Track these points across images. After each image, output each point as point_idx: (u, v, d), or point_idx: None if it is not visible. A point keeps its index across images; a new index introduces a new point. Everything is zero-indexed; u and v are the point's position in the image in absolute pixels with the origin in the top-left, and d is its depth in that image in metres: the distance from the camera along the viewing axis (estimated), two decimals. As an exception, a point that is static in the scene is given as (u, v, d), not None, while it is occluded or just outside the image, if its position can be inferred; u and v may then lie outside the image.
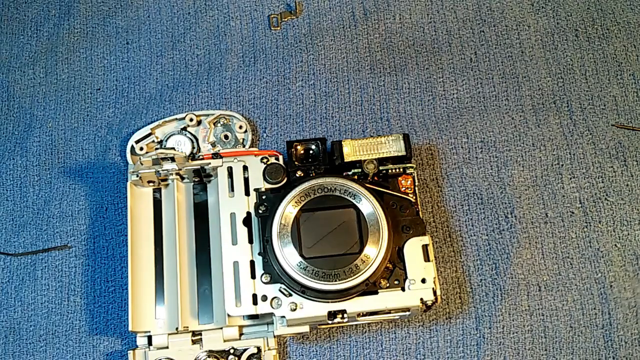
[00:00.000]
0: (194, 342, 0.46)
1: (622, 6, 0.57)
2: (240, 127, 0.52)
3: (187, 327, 0.47)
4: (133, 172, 0.48)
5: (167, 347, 0.46)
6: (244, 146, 0.52)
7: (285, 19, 0.57)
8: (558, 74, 0.55)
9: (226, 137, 0.52)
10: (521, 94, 0.55)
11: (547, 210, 0.51)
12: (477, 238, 0.50)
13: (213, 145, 0.52)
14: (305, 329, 0.45)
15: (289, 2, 0.58)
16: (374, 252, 0.44)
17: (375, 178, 0.47)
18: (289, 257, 0.43)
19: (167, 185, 0.50)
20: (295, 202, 0.45)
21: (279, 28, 0.57)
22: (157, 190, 0.50)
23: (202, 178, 0.49)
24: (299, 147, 0.47)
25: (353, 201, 0.45)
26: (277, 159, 0.48)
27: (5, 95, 0.57)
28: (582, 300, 0.48)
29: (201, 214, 0.49)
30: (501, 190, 0.51)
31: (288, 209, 0.45)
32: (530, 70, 0.55)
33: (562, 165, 0.52)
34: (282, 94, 0.55)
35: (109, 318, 0.50)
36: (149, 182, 0.49)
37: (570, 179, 0.51)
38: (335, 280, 0.43)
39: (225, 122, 0.53)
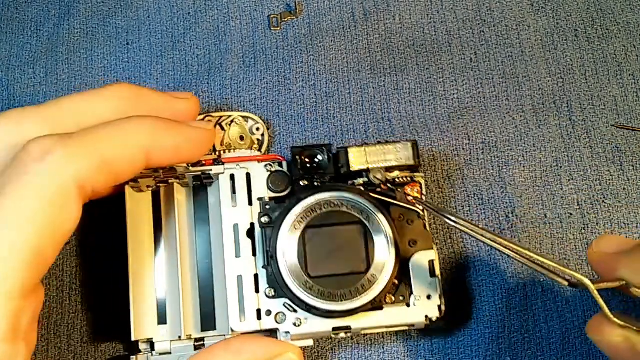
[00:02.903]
0: (196, 347, 0.46)
1: (622, 6, 0.57)
2: (258, 128, 0.52)
3: (190, 334, 0.46)
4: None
5: (169, 353, 0.46)
6: (260, 149, 0.52)
7: (285, 19, 0.57)
8: (558, 74, 0.55)
9: (242, 138, 0.51)
10: (521, 94, 0.55)
11: (545, 211, 0.51)
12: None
13: (228, 148, 0.51)
14: (309, 342, 0.45)
15: (288, 2, 0.58)
16: (381, 272, 0.43)
17: (382, 186, 0.46)
18: (294, 275, 0.43)
19: (166, 186, 0.49)
20: (301, 217, 0.44)
21: (279, 28, 0.57)
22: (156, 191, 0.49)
23: (202, 181, 0.48)
24: (303, 155, 0.46)
25: (360, 217, 0.44)
26: (280, 164, 0.47)
27: (5, 94, 0.57)
28: (576, 302, 0.49)
29: (202, 214, 0.49)
30: (502, 190, 0.51)
31: (293, 225, 0.44)
32: (531, 70, 0.55)
33: (561, 167, 0.52)
34: (283, 95, 0.55)
35: (110, 321, 0.50)
36: (147, 186, 0.48)
37: (569, 181, 0.52)
38: (342, 301, 0.42)
39: (241, 123, 0.52)
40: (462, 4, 0.58)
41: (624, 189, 0.51)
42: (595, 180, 0.52)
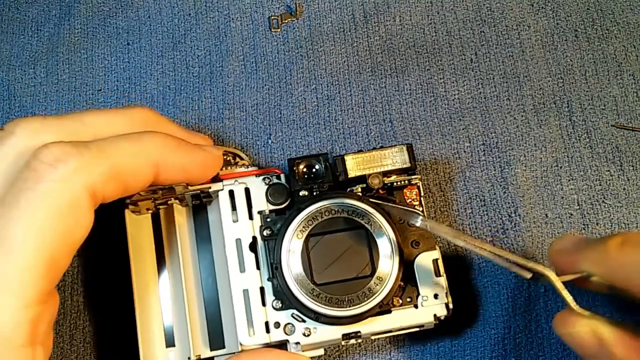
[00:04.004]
0: None
1: (622, 6, 0.57)
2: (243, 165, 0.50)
3: (200, 355, 0.46)
4: (129, 202, 0.46)
5: None
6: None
7: (286, 21, 0.57)
8: (558, 74, 0.55)
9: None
10: (522, 94, 0.55)
11: (546, 211, 0.51)
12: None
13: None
14: (320, 352, 0.45)
15: (289, 4, 0.58)
16: (387, 274, 0.43)
17: (381, 191, 0.46)
18: (300, 284, 0.43)
19: (166, 207, 0.48)
20: (303, 226, 0.44)
21: (279, 30, 0.57)
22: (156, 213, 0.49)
23: (201, 200, 0.47)
24: (301, 166, 0.46)
25: (362, 222, 0.44)
26: (278, 177, 0.46)
27: (6, 94, 0.57)
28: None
29: (203, 233, 0.48)
30: (504, 190, 0.52)
31: (295, 235, 0.44)
32: (531, 70, 0.55)
33: (561, 167, 0.52)
34: (285, 99, 0.55)
35: (112, 321, 0.50)
36: (147, 209, 0.48)
37: (569, 181, 0.52)
38: (350, 306, 0.43)
39: (228, 158, 0.50)
40: (462, 5, 0.58)
41: (624, 189, 0.52)
42: (595, 180, 0.52)
